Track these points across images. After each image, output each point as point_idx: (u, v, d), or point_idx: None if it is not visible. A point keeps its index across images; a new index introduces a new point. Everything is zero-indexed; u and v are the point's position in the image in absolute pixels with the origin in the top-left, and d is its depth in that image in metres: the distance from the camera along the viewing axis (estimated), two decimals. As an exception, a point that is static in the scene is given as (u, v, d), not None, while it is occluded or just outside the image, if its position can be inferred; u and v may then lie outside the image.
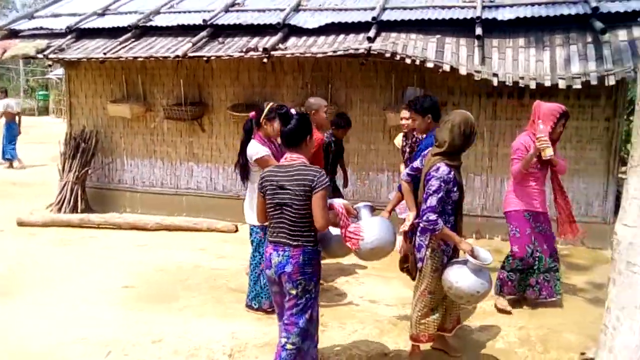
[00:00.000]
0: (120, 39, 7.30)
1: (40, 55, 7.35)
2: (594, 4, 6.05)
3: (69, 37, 7.69)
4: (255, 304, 4.53)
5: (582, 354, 3.55)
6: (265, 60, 6.58)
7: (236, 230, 7.06)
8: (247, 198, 4.58)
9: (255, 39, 6.94)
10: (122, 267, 5.69)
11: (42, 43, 7.55)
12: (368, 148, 7.22)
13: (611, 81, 5.59)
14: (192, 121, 7.64)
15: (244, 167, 4.51)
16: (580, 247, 6.40)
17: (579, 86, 5.73)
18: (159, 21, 7.60)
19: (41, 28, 8.05)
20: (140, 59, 7.07)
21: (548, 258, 4.60)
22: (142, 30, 7.59)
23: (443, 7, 6.87)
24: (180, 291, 5.04)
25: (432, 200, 3.34)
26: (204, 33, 7.11)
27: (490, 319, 4.51)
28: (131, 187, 8.12)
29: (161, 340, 4.03)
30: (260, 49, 6.51)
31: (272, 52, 6.50)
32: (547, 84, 5.80)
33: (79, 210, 7.60)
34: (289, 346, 3.15)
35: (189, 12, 7.78)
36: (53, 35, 7.85)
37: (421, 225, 3.44)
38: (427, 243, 3.52)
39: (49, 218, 7.32)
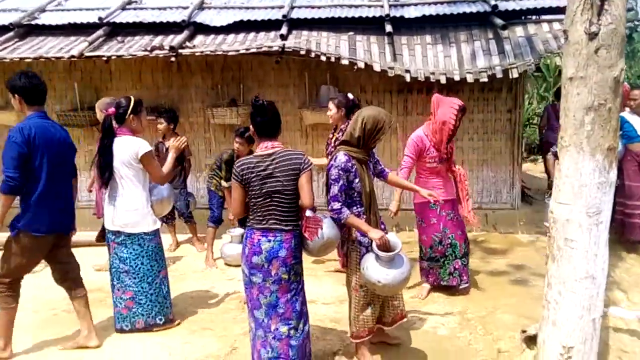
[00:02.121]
0: (1, 39, 6.52)
1: None
2: (493, 2, 6.42)
3: (-64, 37, 6.73)
4: (160, 320, 4.17)
5: (523, 331, 3.67)
6: (172, 59, 6.20)
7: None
8: (129, 202, 3.98)
9: (159, 38, 6.55)
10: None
11: None
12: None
13: (514, 74, 5.95)
14: (91, 127, 7.02)
15: (107, 169, 3.94)
16: (493, 233, 6.73)
17: (485, 79, 6.03)
18: (46, 19, 6.90)
19: None
20: (27, 60, 6.34)
21: (463, 243, 4.73)
22: (27, 29, 6.85)
23: (351, 6, 6.95)
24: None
25: (334, 189, 3.32)
26: (100, 32, 6.57)
27: (429, 307, 4.56)
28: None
29: (87, 369, 3.60)
30: (167, 48, 6.13)
31: (180, 51, 6.15)
32: (457, 78, 6.05)
33: None
34: (293, 332, 3.23)
35: (80, 9, 7.17)
36: None
37: (330, 213, 3.35)
38: (347, 237, 3.48)
39: None
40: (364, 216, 3.42)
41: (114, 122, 3.99)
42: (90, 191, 5.79)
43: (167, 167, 4.09)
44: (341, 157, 3.36)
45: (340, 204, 3.30)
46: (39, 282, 4.61)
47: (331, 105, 5.07)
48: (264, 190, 3.12)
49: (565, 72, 2.77)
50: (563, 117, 2.87)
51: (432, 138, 4.58)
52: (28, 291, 3.96)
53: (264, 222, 3.16)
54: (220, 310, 4.55)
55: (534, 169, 10.48)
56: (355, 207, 3.43)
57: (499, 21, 6.21)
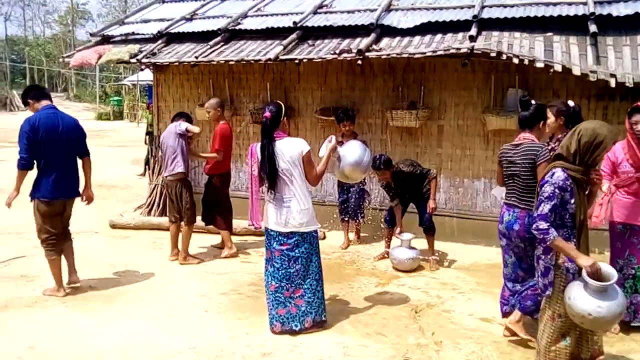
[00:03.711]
0: (210, 43, 7.29)
1: (133, 60, 7.45)
2: None
3: (159, 41, 7.77)
4: (325, 316, 4.26)
5: None
6: (359, 62, 6.36)
7: (324, 238, 6.87)
8: (302, 202, 4.12)
9: (347, 41, 6.74)
10: (218, 273, 5.62)
11: (134, 48, 7.67)
12: (463, 154, 6.86)
13: None
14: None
15: (273, 172, 4.05)
16: None
17: None
18: (248, 24, 7.53)
19: (132, 33, 8.19)
20: (230, 63, 7.01)
21: None
22: (231, 34, 7.55)
23: (548, 4, 6.41)
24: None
25: (545, 207, 3.09)
26: (293, 36, 6.98)
27: (619, 346, 4.05)
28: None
29: (271, 354, 3.87)
30: (354, 51, 6.30)
31: (367, 54, 6.27)
32: (674, 85, 5.27)
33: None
34: (530, 292, 3.90)
35: (277, 14, 7.69)
36: (144, 40, 7.96)
37: (533, 233, 3.15)
38: (553, 263, 3.22)
39: (140, 221, 7.41)
40: (574, 241, 3.17)
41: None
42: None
43: (321, 167, 4.25)
44: (559, 173, 3.11)
45: (547, 224, 3.07)
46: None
47: (549, 113, 4.64)
48: (508, 173, 4.02)
49: None
50: None
51: (628, 151, 4.08)
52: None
53: (509, 198, 3.99)
54: (393, 316, 4.56)
55: None
56: (564, 230, 3.16)
57: None
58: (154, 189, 7.87)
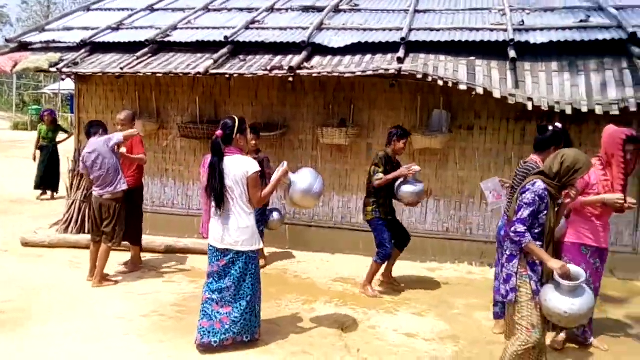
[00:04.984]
0: (137, 54, 7.06)
1: (53, 69, 7.06)
2: (631, 30, 5.93)
3: (83, 51, 7.42)
4: (247, 337, 4.18)
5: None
6: (290, 79, 6.37)
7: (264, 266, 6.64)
8: (241, 220, 4.07)
9: (278, 57, 6.74)
10: (140, 293, 5.36)
11: (54, 56, 7.28)
12: (391, 171, 6.99)
13: (651, 107, 5.45)
14: (208, 140, 7.36)
15: (220, 189, 4.01)
16: (611, 278, 6.13)
17: (616, 112, 5.56)
18: (178, 37, 7.37)
19: (53, 41, 7.77)
20: (158, 75, 6.81)
21: (596, 297, 4.28)
22: (159, 46, 7.35)
23: (472, 30, 6.73)
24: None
25: (524, 213, 3.34)
26: (224, 50, 6.89)
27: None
28: (140, 207, 7.79)
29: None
30: (286, 68, 6.30)
31: (298, 71, 6.29)
32: (584, 109, 5.64)
33: (86, 231, 7.24)
34: None
35: (208, 28, 7.57)
36: (66, 48, 7.58)
37: (510, 235, 3.39)
38: (516, 270, 3.40)
39: (56, 238, 6.96)
40: (540, 244, 3.40)
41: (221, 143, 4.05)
42: None
43: (267, 190, 4.16)
44: (540, 183, 3.38)
45: (525, 228, 3.32)
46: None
47: None
48: (509, 184, 4.66)
49: None
50: None
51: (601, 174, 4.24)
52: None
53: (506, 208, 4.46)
54: (319, 334, 4.52)
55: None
56: (532, 234, 3.39)
57: (638, 50, 5.71)
58: (72, 204, 7.44)
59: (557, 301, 3.23)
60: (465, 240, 6.82)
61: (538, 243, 3.35)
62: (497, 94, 5.85)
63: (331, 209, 7.23)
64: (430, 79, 5.99)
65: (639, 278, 6.19)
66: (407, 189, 5.41)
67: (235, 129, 4.09)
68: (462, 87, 5.90)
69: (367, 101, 6.99)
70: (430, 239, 6.85)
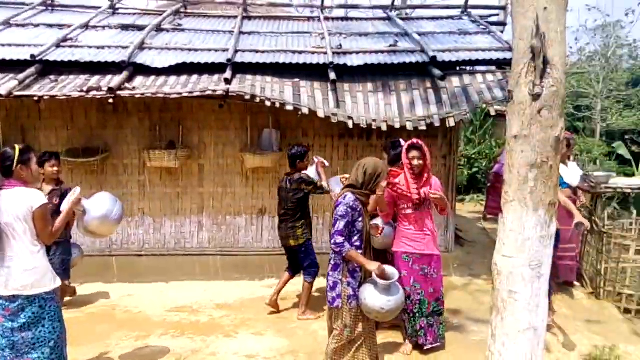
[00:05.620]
0: None
1: None
2: (431, 54, 6.66)
3: None
4: None
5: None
6: (111, 100, 5.97)
7: (74, 294, 6.03)
8: (27, 261, 3.52)
9: (96, 77, 6.31)
10: None
11: None
12: (224, 191, 6.93)
13: (451, 123, 6.18)
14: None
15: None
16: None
17: (424, 127, 6.20)
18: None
19: None
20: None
21: (433, 302, 4.51)
22: (-51, 64, 6.39)
23: (295, 52, 6.99)
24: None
25: (340, 224, 3.64)
26: (32, 69, 6.23)
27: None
28: None
29: None
30: (105, 89, 5.90)
31: (119, 93, 5.93)
32: (397, 126, 6.19)
33: None
34: None
35: (12, 45, 6.75)
36: None
37: (332, 246, 3.69)
38: (341, 278, 3.73)
39: None
40: (361, 251, 3.74)
41: None
42: None
43: (59, 223, 3.67)
44: (350, 195, 3.73)
45: (343, 238, 3.64)
46: None
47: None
48: None
49: (510, 130, 2.86)
50: (507, 173, 2.95)
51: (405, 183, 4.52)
52: None
53: None
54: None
55: (462, 208, 10.83)
56: (353, 242, 3.73)
57: (437, 72, 6.44)
58: None
59: (375, 299, 3.63)
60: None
61: (359, 251, 3.69)
62: (321, 114, 6.15)
63: (163, 235, 6.91)
64: (258, 99, 6.08)
65: (452, 274, 6.91)
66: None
67: (16, 159, 3.53)
68: (289, 107, 6.09)
69: (196, 122, 6.85)
70: (267, 256, 6.89)
